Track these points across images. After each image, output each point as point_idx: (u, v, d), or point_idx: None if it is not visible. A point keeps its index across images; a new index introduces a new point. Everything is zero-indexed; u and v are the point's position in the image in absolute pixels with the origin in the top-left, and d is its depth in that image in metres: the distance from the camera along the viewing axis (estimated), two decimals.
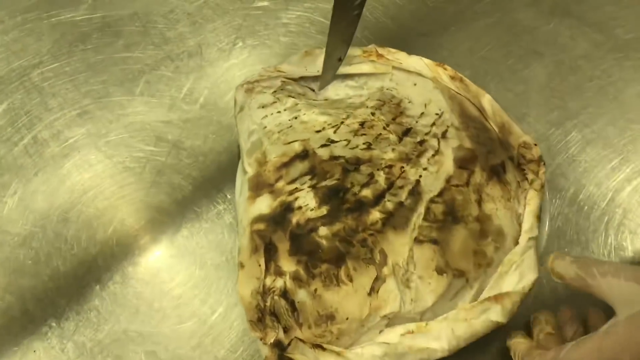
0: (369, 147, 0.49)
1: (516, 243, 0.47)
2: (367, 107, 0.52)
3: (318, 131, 0.50)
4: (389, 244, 0.45)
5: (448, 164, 0.48)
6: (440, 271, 0.44)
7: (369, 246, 0.44)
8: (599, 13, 0.68)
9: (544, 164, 0.50)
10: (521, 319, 0.47)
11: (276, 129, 0.51)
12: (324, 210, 0.46)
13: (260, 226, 0.46)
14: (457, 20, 0.67)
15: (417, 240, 0.45)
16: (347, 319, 0.43)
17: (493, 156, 0.50)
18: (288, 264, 0.44)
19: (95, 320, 0.49)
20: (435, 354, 0.43)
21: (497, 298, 0.44)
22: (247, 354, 0.48)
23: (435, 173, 0.48)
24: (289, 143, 0.50)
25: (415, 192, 0.47)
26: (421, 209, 0.46)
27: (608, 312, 0.40)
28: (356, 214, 0.46)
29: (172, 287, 0.50)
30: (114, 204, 0.55)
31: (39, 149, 0.58)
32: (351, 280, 0.44)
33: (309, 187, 0.47)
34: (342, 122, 0.51)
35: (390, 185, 0.47)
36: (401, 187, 0.47)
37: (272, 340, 0.43)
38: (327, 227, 0.45)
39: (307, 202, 0.46)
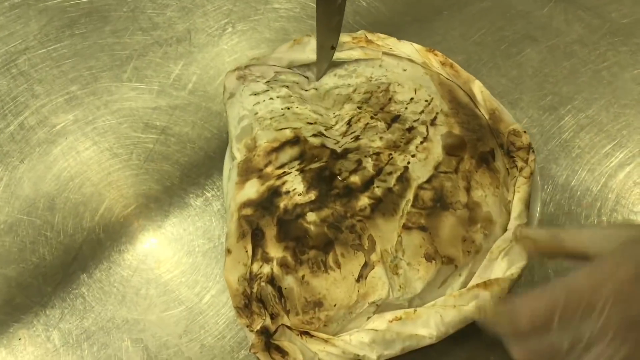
0: (356, 138, 0.48)
1: (505, 230, 0.47)
2: (354, 101, 0.51)
3: (310, 123, 0.50)
4: (377, 230, 0.44)
5: (437, 151, 0.48)
6: (428, 258, 0.44)
7: (357, 232, 0.44)
8: None
9: (533, 151, 0.49)
10: None
11: (268, 115, 0.50)
12: (312, 196, 0.45)
13: (248, 211, 0.45)
14: (450, 5, 0.66)
15: (406, 227, 0.44)
16: (335, 305, 0.43)
17: (482, 143, 0.49)
18: (275, 250, 0.44)
19: (82, 308, 0.48)
20: (423, 341, 0.43)
21: (486, 285, 0.44)
22: (235, 341, 0.47)
23: (424, 160, 0.47)
24: (281, 129, 0.49)
25: (404, 178, 0.46)
26: (410, 196, 0.45)
27: None
28: (345, 199, 0.45)
29: (160, 274, 0.50)
30: (101, 191, 0.54)
31: (25, 135, 0.57)
32: (339, 266, 0.43)
33: (296, 170, 0.47)
34: (331, 127, 0.50)
35: (379, 171, 0.46)
36: (390, 174, 0.46)
37: (258, 327, 0.42)
38: (316, 212, 0.45)
39: (295, 187, 0.46)
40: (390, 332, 0.42)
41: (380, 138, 0.48)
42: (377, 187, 0.46)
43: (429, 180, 0.46)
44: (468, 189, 0.47)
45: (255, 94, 0.52)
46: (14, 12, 0.65)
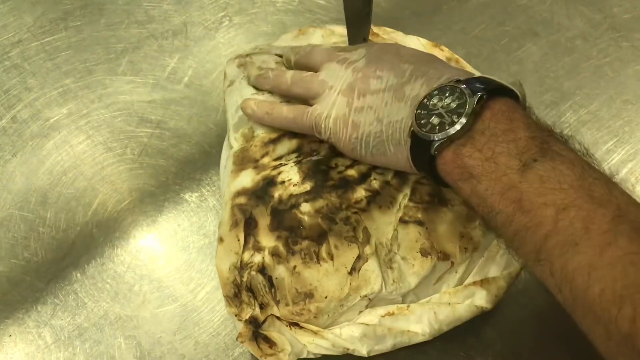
0: None
1: None
2: None
3: None
4: (373, 222, 0.43)
5: None
6: (424, 253, 0.43)
7: (352, 224, 0.43)
8: None
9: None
10: (507, 306, 0.46)
11: None
12: (307, 186, 0.44)
13: (242, 200, 0.45)
14: None
15: (402, 221, 0.43)
16: (326, 297, 0.42)
17: None
18: (267, 239, 0.43)
19: (74, 304, 0.47)
20: (416, 338, 0.42)
21: (483, 283, 0.43)
22: (230, 339, 0.46)
23: None
24: None
25: (402, 172, 0.45)
26: (407, 190, 0.45)
27: None
28: (340, 191, 0.44)
29: (154, 270, 0.49)
30: (94, 186, 0.53)
31: (18, 129, 0.56)
32: (332, 258, 0.42)
33: (293, 162, 0.46)
34: None
35: (376, 165, 0.45)
36: (387, 168, 0.45)
37: (247, 317, 0.41)
38: (310, 203, 0.44)
39: (291, 177, 0.45)
40: (382, 327, 0.42)
41: None
42: (374, 179, 0.45)
43: None
44: None
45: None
46: (7, 4, 0.64)
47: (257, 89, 0.51)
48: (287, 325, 0.41)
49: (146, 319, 0.47)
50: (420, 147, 0.39)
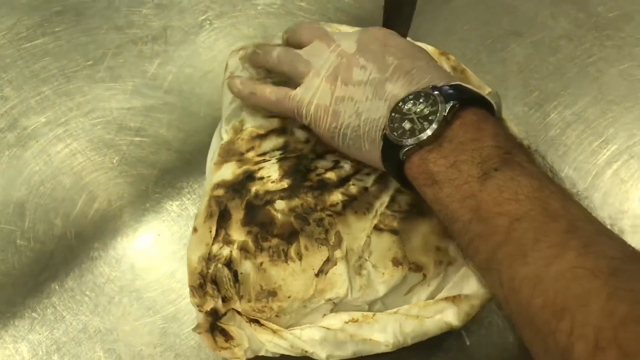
0: None
1: None
2: None
3: None
4: (347, 227, 0.43)
5: None
6: (396, 262, 0.42)
7: (324, 226, 0.42)
8: None
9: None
10: (479, 326, 0.45)
11: None
12: (284, 184, 0.44)
13: (220, 192, 0.44)
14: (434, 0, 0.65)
15: (377, 228, 0.43)
16: (289, 297, 0.41)
17: None
18: (238, 234, 0.43)
19: (52, 318, 0.47)
20: (378, 347, 0.41)
21: (455, 299, 0.42)
22: (209, 350, 0.45)
23: None
24: (270, 117, 0.48)
25: (383, 180, 0.44)
26: (386, 197, 0.44)
27: None
28: (317, 192, 0.44)
29: (133, 280, 0.48)
30: (73, 196, 0.52)
31: None
32: (300, 258, 0.42)
33: (276, 159, 0.46)
34: None
35: (357, 171, 0.45)
36: (368, 174, 0.45)
37: (208, 308, 0.41)
38: (285, 201, 0.43)
39: (270, 174, 0.45)
40: (344, 333, 0.41)
41: None
42: (353, 184, 0.44)
43: None
44: None
45: (253, 77, 0.51)
46: None
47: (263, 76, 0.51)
48: (247, 321, 0.41)
49: (126, 331, 0.46)
50: (391, 150, 0.39)
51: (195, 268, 0.42)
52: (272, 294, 0.41)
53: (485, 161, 0.36)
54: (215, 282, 0.42)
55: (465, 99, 0.38)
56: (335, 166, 0.45)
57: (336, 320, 0.41)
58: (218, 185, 0.45)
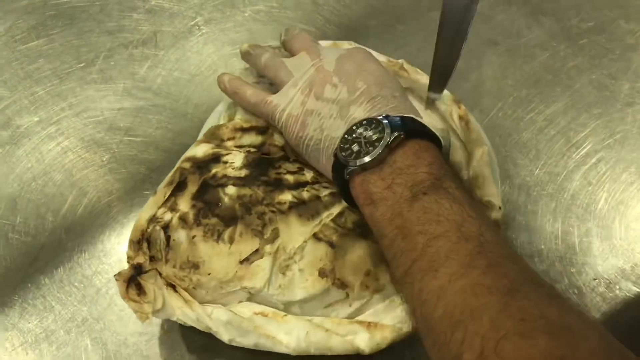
0: None
1: None
2: None
3: None
4: (287, 227, 0.44)
5: None
6: (322, 273, 0.43)
7: (264, 220, 0.44)
8: (555, 2, 0.69)
9: (499, 228, 0.48)
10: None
11: None
12: (242, 173, 0.47)
13: (186, 165, 0.48)
14: (413, 9, 0.67)
15: (316, 237, 0.44)
16: (209, 274, 0.43)
17: None
18: (185, 205, 0.45)
19: (42, 308, 0.48)
20: (279, 346, 0.42)
21: (370, 325, 0.43)
22: (202, 341, 0.47)
23: None
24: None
25: (338, 195, 0.46)
26: (335, 210, 0.45)
27: None
28: (270, 188, 0.46)
29: None
30: (63, 192, 0.54)
31: None
32: (232, 242, 0.44)
33: (245, 151, 0.49)
34: None
35: (316, 182, 0.47)
36: (325, 187, 0.46)
37: (135, 262, 0.44)
38: (237, 187, 0.46)
39: (235, 161, 0.48)
40: (249, 323, 0.42)
41: None
42: (307, 191, 0.46)
43: None
44: None
45: (260, 75, 0.55)
46: None
47: (261, 76, 0.54)
48: (164, 284, 0.43)
49: (112, 321, 0.48)
50: (338, 168, 0.42)
51: (142, 225, 0.45)
52: (195, 266, 0.43)
53: (416, 185, 0.39)
54: (149, 241, 0.44)
55: (412, 131, 0.41)
56: (297, 172, 0.47)
57: (247, 309, 0.43)
58: (188, 159, 0.48)
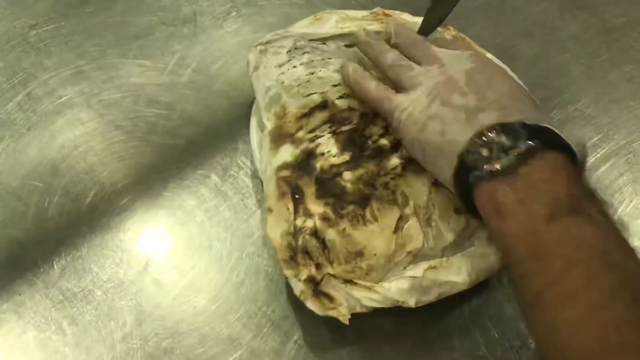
0: None
1: None
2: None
3: (335, 85, 0.52)
4: (409, 187, 0.47)
5: None
6: (457, 212, 0.46)
7: (390, 189, 0.46)
8: None
9: None
10: None
11: (295, 83, 0.52)
12: (346, 157, 0.48)
13: (286, 173, 0.48)
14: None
15: (435, 184, 0.47)
16: (375, 255, 0.45)
17: None
18: (316, 206, 0.46)
19: (80, 269, 0.50)
20: (457, 287, 0.46)
21: None
22: (227, 305, 0.49)
23: None
24: (308, 95, 0.51)
25: None
26: None
27: None
28: (377, 160, 0.48)
29: (155, 240, 0.52)
30: (103, 160, 0.56)
31: (32, 105, 0.59)
32: (376, 219, 0.45)
33: (328, 133, 0.49)
34: None
35: None
36: None
37: (305, 277, 0.44)
38: (351, 172, 0.47)
39: (330, 149, 0.48)
40: (427, 280, 0.45)
41: None
42: None
43: None
44: None
45: (279, 65, 0.54)
46: None
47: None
48: (342, 283, 0.44)
49: (147, 283, 0.50)
50: (463, 173, 0.40)
51: (281, 243, 0.45)
52: (359, 254, 0.45)
53: (554, 204, 0.36)
54: (306, 252, 0.45)
55: (549, 142, 0.39)
56: (386, 132, 0.49)
57: (417, 270, 0.45)
58: (281, 167, 0.48)
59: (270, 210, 0.47)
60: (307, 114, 0.51)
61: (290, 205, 0.46)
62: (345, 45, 0.57)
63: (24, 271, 0.50)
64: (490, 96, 0.43)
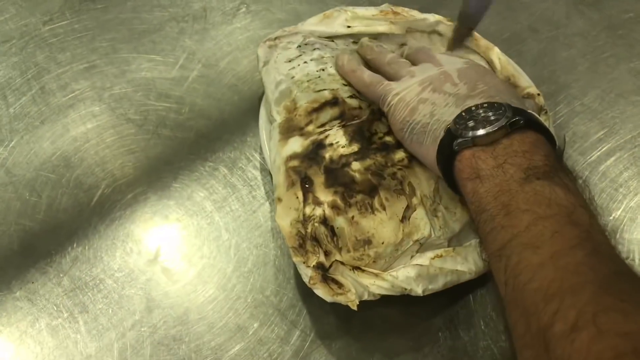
0: None
1: None
2: None
3: (345, 84, 0.53)
4: (416, 178, 0.48)
5: None
6: (463, 202, 0.47)
7: (398, 179, 0.47)
8: None
9: (546, 112, 0.53)
10: None
11: (305, 79, 0.53)
12: (355, 148, 0.49)
13: (295, 163, 0.49)
14: None
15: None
16: (382, 243, 0.46)
17: None
18: (325, 195, 0.47)
19: (92, 257, 0.51)
20: (464, 276, 0.47)
21: None
22: (236, 294, 0.50)
23: None
24: (319, 91, 0.52)
25: None
26: None
27: None
28: (384, 152, 0.49)
29: (166, 231, 0.53)
30: (114, 153, 0.57)
31: (46, 98, 0.60)
32: (384, 208, 0.46)
33: (338, 127, 0.50)
34: None
35: None
36: None
37: (314, 263, 0.45)
38: (359, 162, 0.48)
39: (338, 140, 0.49)
40: (434, 268, 0.46)
41: None
42: None
43: None
44: None
45: (290, 60, 0.55)
46: None
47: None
48: (350, 269, 0.45)
49: (156, 272, 0.51)
50: (447, 140, 0.42)
51: (291, 231, 0.46)
52: (367, 242, 0.46)
53: (530, 169, 0.38)
54: (315, 239, 0.46)
55: (532, 122, 0.41)
56: (391, 131, 0.50)
57: (424, 259, 0.46)
58: (290, 157, 0.49)
59: (279, 199, 0.48)
60: (318, 109, 0.52)
61: (300, 194, 0.47)
62: (353, 42, 0.58)
63: (37, 260, 0.51)
64: (480, 87, 0.46)
